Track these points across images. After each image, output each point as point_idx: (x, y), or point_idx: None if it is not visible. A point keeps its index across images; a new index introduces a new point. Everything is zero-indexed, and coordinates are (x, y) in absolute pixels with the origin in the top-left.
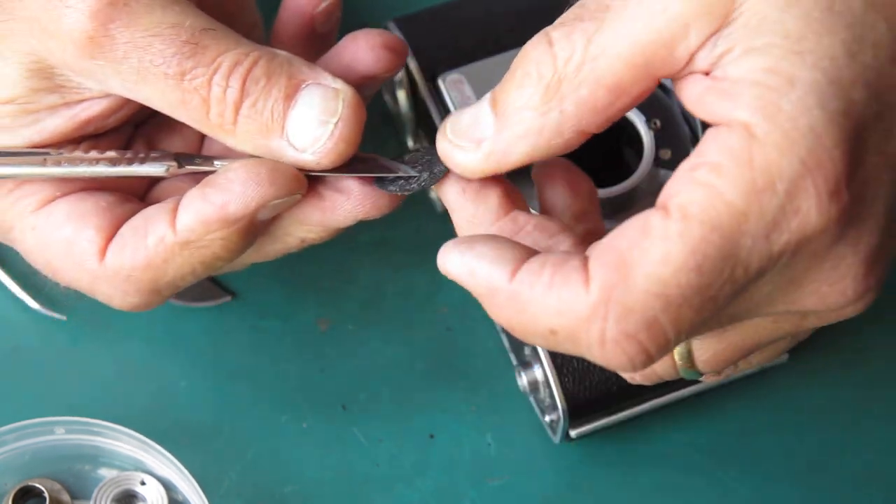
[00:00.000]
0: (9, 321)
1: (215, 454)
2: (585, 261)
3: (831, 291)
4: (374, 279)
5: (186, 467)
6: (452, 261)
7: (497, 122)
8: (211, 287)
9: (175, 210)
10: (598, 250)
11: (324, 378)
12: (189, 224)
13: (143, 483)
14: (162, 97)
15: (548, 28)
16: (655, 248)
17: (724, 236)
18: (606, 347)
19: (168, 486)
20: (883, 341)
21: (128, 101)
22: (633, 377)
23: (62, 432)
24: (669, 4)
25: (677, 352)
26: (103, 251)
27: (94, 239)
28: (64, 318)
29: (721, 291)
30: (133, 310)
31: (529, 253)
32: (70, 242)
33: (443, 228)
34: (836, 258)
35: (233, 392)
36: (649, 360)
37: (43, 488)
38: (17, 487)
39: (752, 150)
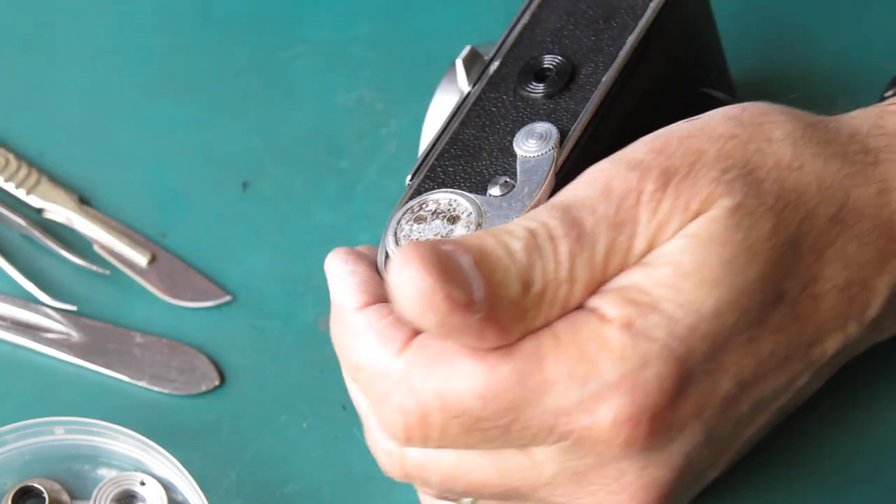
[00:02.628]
0: None
1: (215, 454)
2: (413, 334)
3: (609, 500)
4: None
5: (186, 467)
6: (333, 262)
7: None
8: (210, 287)
9: None
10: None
11: (324, 378)
12: None
13: (142, 483)
14: None
15: None
16: (464, 364)
17: (518, 392)
18: (383, 407)
19: (168, 487)
20: (887, 341)
21: None
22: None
23: (62, 432)
24: None
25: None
26: None
27: None
28: (75, 308)
29: (492, 429)
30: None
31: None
32: None
33: None
34: (618, 471)
35: (233, 392)
36: (408, 440)
37: (42, 488)
38: (17, 487)
39: (588, 342)
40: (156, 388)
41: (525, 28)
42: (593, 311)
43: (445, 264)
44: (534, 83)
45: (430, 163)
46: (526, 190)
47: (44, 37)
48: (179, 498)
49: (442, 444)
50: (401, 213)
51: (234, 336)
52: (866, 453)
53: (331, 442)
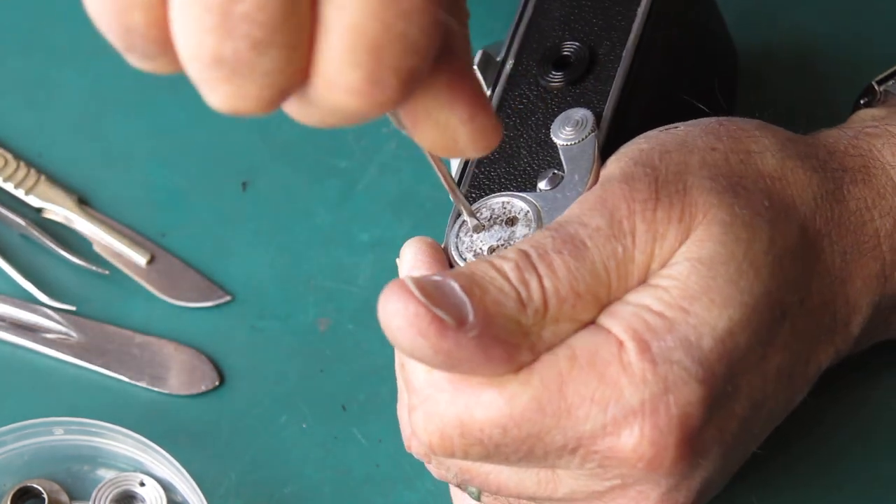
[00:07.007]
0: None
1: (215, 454)
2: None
3: None
4: (374, 279)
5: (185, 468)
6: (409, 251)
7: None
8: (210, 287)
9: None
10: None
11: (324, 378)
12: None
13: (142, 484)
14: None
15: None
16: (485, 393)
17: (539, 420)
18: (412, 416)
19: (167, 487)
20: (888, 342)
21: None
22: (410, 445)
23: (61, 433)
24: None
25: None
26: None
27: None
28: (74, 308)
29: (513, 454)
30: None
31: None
32: None
33: (443, 228)
34: (640, 493)
35: (233, 392)
36: (432, 452)
37: (41, 489)
38: (16, 488)
39: (607, 366)
40: (156, 388)
41: (530, 23)
42: (608, 331)
43: (431, 290)
44: (554, 72)
45: (471, 171)
46: (576, 177)
47: (44, 37)
48: (179, 499)
49: (465, 459)
50: (457, 226)
51: (233, 336)
52: (862, 453)
53: (331, 442)
